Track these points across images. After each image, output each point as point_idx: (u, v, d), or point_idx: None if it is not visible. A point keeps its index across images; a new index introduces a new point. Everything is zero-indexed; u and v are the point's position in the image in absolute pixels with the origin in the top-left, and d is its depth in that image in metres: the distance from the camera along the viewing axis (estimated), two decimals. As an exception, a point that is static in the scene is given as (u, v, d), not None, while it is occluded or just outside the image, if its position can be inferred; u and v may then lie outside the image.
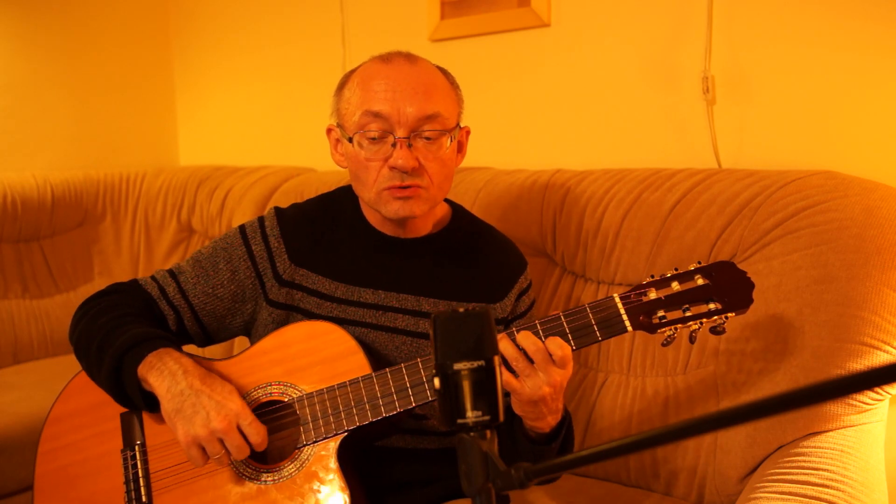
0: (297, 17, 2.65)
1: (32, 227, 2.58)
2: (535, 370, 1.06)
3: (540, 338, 1.09)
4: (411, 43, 2.21)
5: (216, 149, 3.04)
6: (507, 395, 1.30)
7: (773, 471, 1.20)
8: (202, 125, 3.10)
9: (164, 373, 1.15)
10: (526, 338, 1.08)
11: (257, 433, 1.12)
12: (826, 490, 1.10)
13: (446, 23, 2.17)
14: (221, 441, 1.11)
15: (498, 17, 2.06)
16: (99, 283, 2.70)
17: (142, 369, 1.16)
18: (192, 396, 1.12)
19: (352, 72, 1.30)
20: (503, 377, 1.06)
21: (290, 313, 1.30)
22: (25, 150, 2.74)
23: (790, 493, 1.11)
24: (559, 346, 1.07)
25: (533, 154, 2.04)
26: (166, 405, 1.14)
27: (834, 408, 1.24)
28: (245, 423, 1.12)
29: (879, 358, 1.24)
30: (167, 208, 2.70)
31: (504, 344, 1.08)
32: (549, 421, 1.13)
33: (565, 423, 1.18)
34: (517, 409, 1.13)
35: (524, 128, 2.07)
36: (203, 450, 1.12)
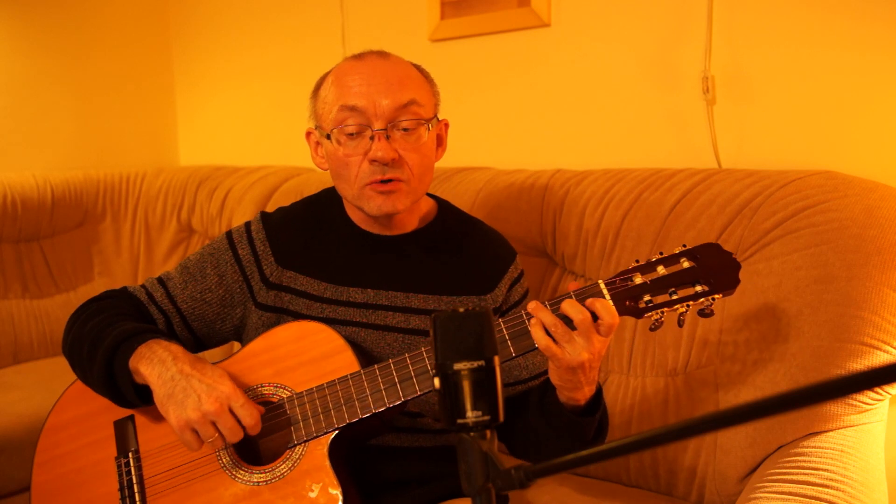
0: (297, 17, 2.65)
1: (32, 227, 2.58)
2: (574, 336, 1.06)
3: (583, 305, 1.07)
4: (411, 43, 2.22)
5: (216, 149, 3.04)
6: (534, 378, 1.31)
7: (773, 471, 1.20)
8: (202, 125, 3.10)
9: (153, 360, 1.15)
10: (571, 306, 1.07)
11: (250, 415, 1.12)
12: (826, 490, 1.10)
13: (446, 23, 2.17)
14: (214, 424, 1.11)
15: (498, 17, 2.06)
16: (99, 283, 2.70)
17: (133, 360, 1.17)
18: (183, 381, 1.12)
19: (326, 73, 1.31)
20: (543, 342, 1.06)
21: (280, 315, 1.30)
22: (25, 150, 2.74)
23: (790, 493, 1.11)
24: (609, 313, 1.06)
25: (533, 154, 2.04)
26: (158, 391, 1.14)
27: (834, 408, 1.24)
28: (237, 404, 1.12)
29: (879, 358, 1.24)
30: (167, 208, 2.70)
31: (542, 313, 1.07)
32: (586, 392, 1.12)
33: (601, 395, 1.18)
34: (554, 378, 1.12)
35: (524, 128, 2.07)
36: (197, 434, 1.12)
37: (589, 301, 1.07)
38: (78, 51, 2.86)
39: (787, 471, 1.18)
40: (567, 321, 1.07)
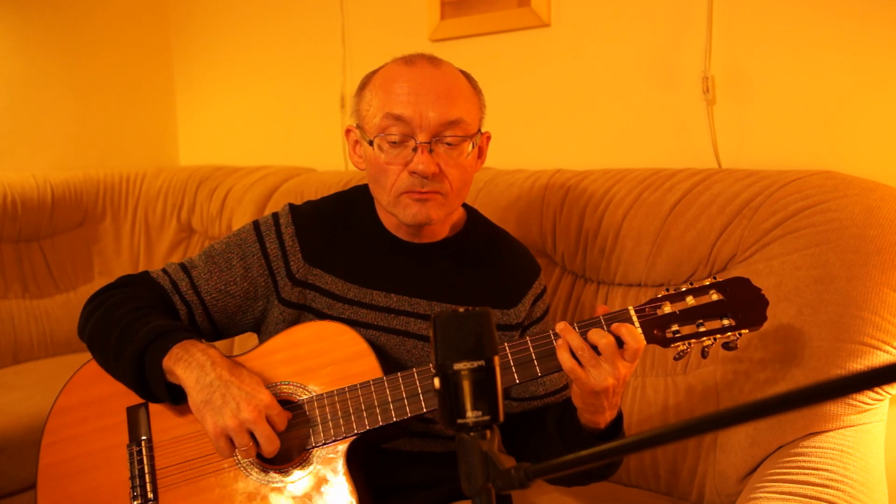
0: (297, 17, 2.65)
1: (32, 227, 2.58)
2: (600, 361, 1.05)
3: (608, 330, 1.08)
4: (411, 43, 2.21)
5: (216, 149, 3.04)
6: (550, 394, 1.31)
7: (773, 471, 1.20)
8: (202, 125, 3.10)
9: (191, 364, 1.14)
10: (595, 333, 1.07)
11: (283, 424, 1.13)
12: (826, 490, 1.10)
13: (446, 23, 2.17)
14: (250, 432, 1.11)
15: (498, 17, 2.06)
16: (99, 283, 2.69)
17: (167, 361, 1.15)
18: (222, 387, 1.11)
19: (373, 73, 1.28)
20: (568, 365, 1.06)
21: (302, 313, 1.29)
22: (25, 150, 2.74)
23: (790, 493, 1.11)
24: (633, 338, 1.06)
25: (533, 154, 2.04)
26: (195, 396, 1.13)
27: (834, 408, 1.24)
28: (273, 413, 1.12)
29: (879, 358, 1.24)
30: (167, 208, 2.70)
31: (570, 336, 1.07)
32: (607, 416, 1.11)
33: (622, 420, 1.17)
34: (577, 401, 1.11)
35: (524, 128, 2.07)
36: (230, 442, 1.12)
37: (615, 326, 1.07)
38: (78, 51, 2.86)
39: (787, 471, 1.18)
40: (593, 345, 1.07)
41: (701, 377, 1.42)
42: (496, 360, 0.70)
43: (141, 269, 2.71)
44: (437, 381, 0.70)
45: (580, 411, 1.13)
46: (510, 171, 1.88)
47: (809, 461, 1.18)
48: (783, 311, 1.31)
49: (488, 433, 0.68)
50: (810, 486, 1.12)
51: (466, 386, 0.69)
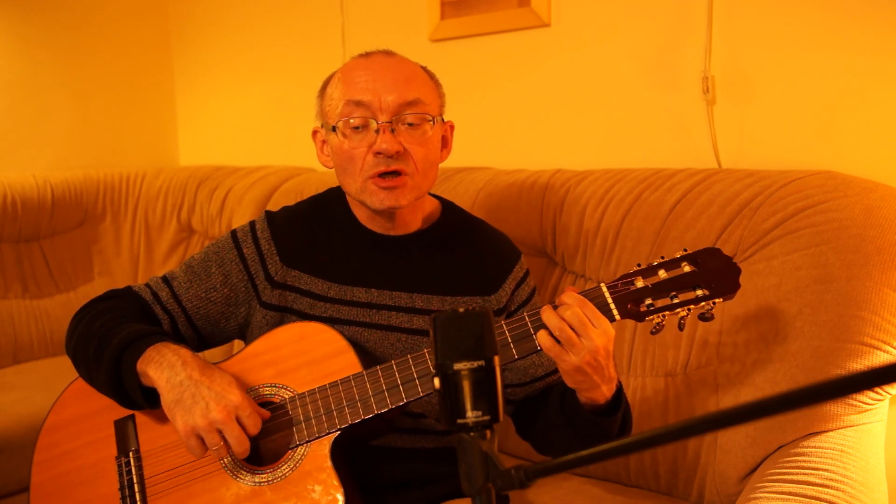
0: (297, 17, 2.65)
1: (32, 227, 2.58)
2: (579, 338, 1.06)
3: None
4: (411, 43, 2.22)
5: (216, 149, 3.04)
6: (550, 374, 1.32)
7: (773, 471, 1.20)
8: (202, 125, 3.10)
9: (162, 365, 1.15)
10: (561, 307, 1.07)
11: (255, 425, 1.13)
12: (826, 490, 1.10)
13: (446, 23, 2.17)
14: (220, 432, 1.11)
15: (498, 17, 2.06)
16: (99, 283, 2.70)
17: (141, 363, 1.17)
18: (192, 387, 1.12)
19: (333, 73, 1.33)
20: (546, 343, 1.07)
21: (284, 315, 1.30)
22: (25, 150, 2.74)
23: (790, 493, 1.11)
24: (570, 297, 1.09)
25: (533, 154, 2.04)
26: (166, 396, 1.14)
27: (834, 408, 1.24)
28: (244, 414, 1.12)
29: (879, 358, 1.24)
30: (167, 208, 2.70)
31: (547, 315, 1.08)
32: (604, 391, 1.12)
33: (623, 393, 1.17)
34: (568, 382, 1.12)
35: (524, 128, 2.07)
36: (202, 441, 1.12)
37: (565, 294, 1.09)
38: (78, 51, 2.86)
39: (787, 471, 1.18)
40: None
41: (701, 376, 1.42)
42: (496, 359, 0.70)
43: (141, 268, 2.73)
44: (437, 381, 0.70)
45: (577, 391, 1.14)
46: (510, 171, 1.88)
47: (809, 461, 1.18)
48: (783, 311, 1.31)
49: (488, 433, 0.68)
50: (810, 486, 1.12)
51: (466, 386, 0.69)
